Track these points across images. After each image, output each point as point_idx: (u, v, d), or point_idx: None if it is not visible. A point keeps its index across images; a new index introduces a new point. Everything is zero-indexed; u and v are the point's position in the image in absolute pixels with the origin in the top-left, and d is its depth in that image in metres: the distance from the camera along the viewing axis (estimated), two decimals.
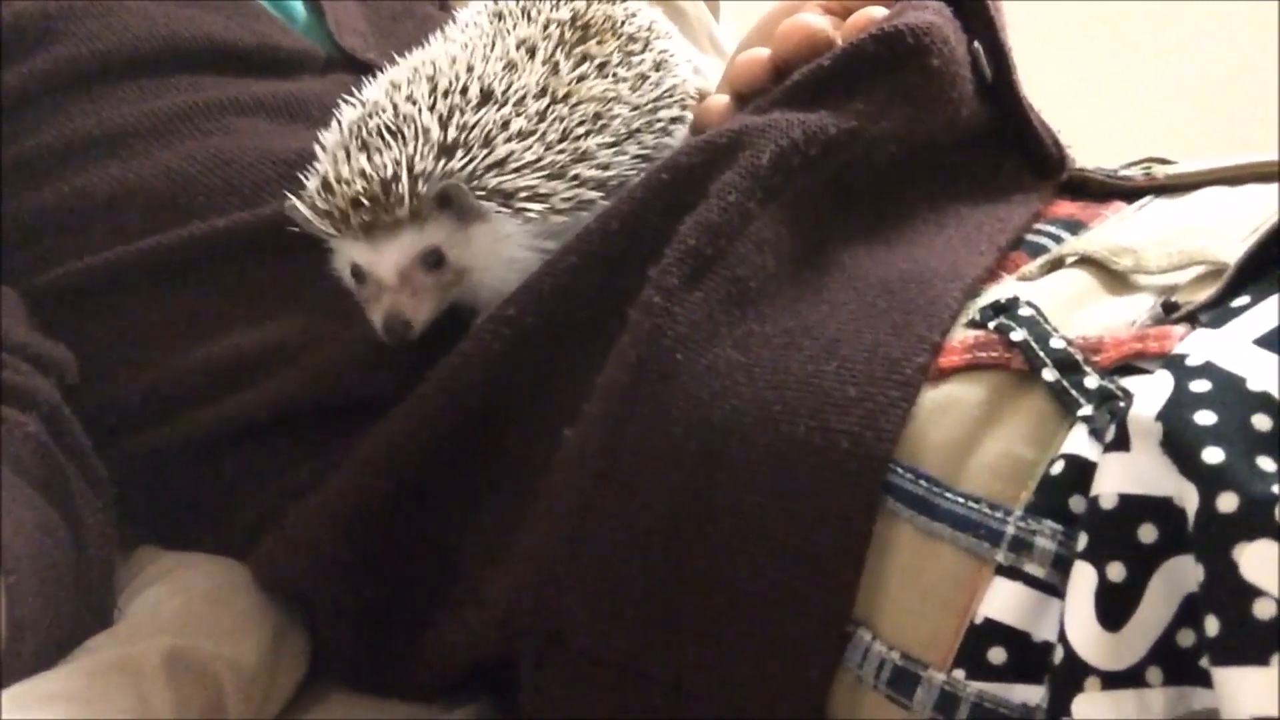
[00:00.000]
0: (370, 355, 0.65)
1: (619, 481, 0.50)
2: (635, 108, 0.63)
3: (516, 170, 0.59)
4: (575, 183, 0.60)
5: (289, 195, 0.61)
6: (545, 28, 0.64)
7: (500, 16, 0.65)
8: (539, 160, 0.59)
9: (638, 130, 0.63)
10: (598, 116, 0.62)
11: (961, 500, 0.45)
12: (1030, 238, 0.58)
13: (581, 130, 0.61)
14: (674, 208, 0.55)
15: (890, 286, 0.52)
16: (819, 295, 0.53)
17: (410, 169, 0.58)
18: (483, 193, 0.59)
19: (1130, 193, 0.61)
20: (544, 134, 0.60)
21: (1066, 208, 0.61)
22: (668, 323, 0.51)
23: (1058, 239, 0.57)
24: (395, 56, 0.68)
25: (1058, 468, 0.44)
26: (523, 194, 0.59)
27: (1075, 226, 0.58)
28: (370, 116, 0.60)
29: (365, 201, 0.58)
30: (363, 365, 0.65)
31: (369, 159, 0.58)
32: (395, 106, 0.60)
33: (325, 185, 0.59)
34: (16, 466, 0.57)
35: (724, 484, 0.49)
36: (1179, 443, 0.40)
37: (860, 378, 0.48)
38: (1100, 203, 0.61)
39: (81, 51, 0.72)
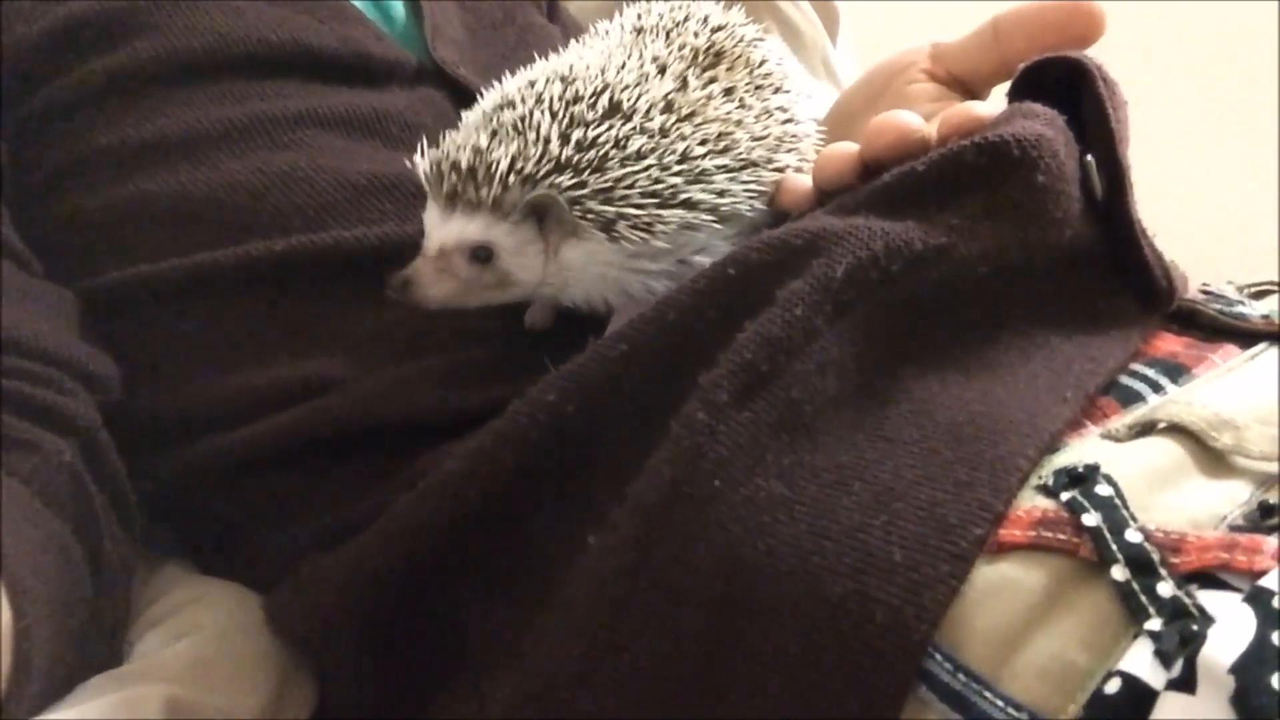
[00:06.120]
0: (409, 386, 0.62)
1: (636, 611, 0.47)
2: (757, 139, 0.61)
3: (623, 197, 0.58)
4: (685, 208, 0.58)
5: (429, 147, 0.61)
6: (680, 49, 0.63)
7: (640, 32, 0.64)
8: (651, 185, 0.58)
9: (755, 163, 0.61)
10: (720, 137, 0.60)
11: (1001, 704, 0.41)
12: (1124, 380, 0.52)
13: (702, 150, 0.59)
14: (735, 307, 0.51)
15: (959, 432, 0.48)
16: (879, 429, 0.49)
17: (515, 165, 0.57)
18: (582, 214, 0.57)
19: (1244, 334, 0.56)
20: (662, 154, 0.58)
21: (1169, 344, 0.55)
22: (709, 443, 0.47)
23: (1155, 385, 0.52)
24: (489, 68, 0.66)
25: (1113, 685, 0.39)
26: (623, 223, 0.58)
27: (1176, 371, 0.53)
28: (504, 108, 0.59)
29: (459, 173, 0.57)
30: (399, 394, 0.62)
31: (489, 141, 0.58)
32: (526, 105, 0.59)
33: (446, 150, 0.59)
34: (47, 497, 0.56)
35: (746, 633, 0.45)
36: (1251, 705, 0.35)
37: (909, 540, 0.44)
38: (1209, 342, 0.55)
39: (166, 47, 0.71)
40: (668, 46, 0.63)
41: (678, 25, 0.64)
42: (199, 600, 0.63)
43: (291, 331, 0.65)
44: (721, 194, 0.59)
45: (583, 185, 0.57)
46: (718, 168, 0.59)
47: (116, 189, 0.69)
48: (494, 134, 0.58)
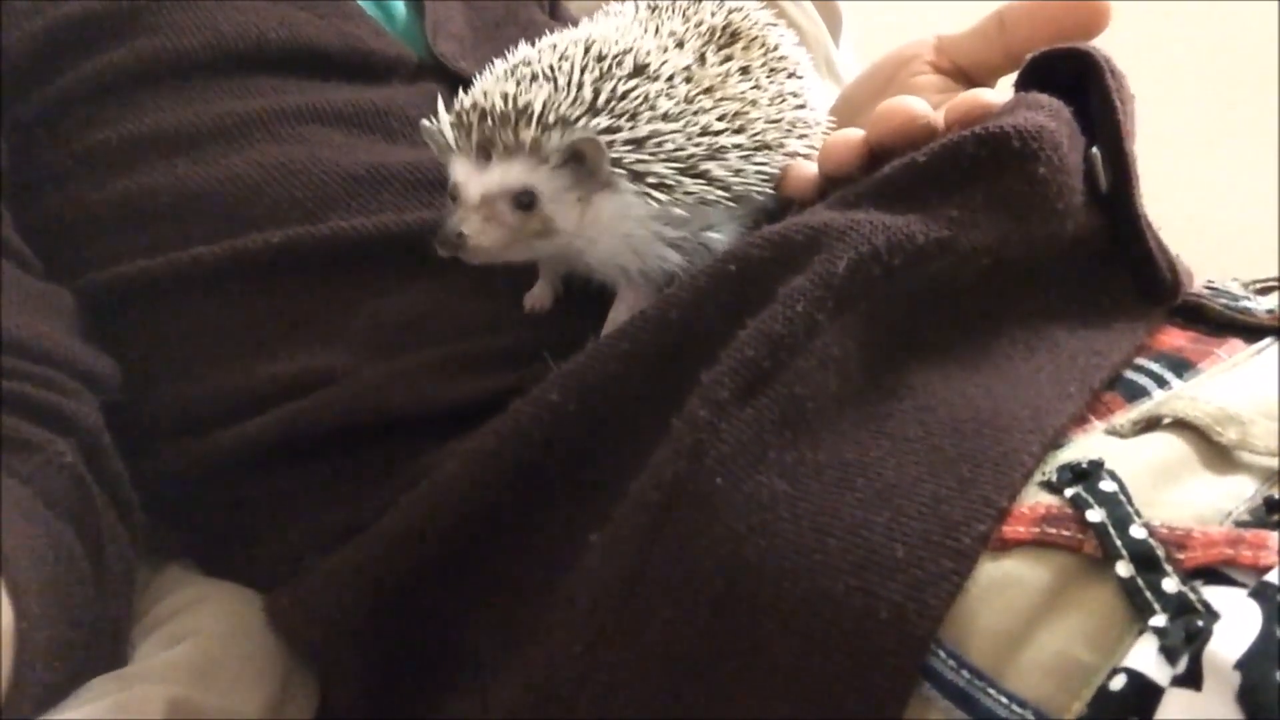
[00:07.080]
0: (409, 377, 0.62)
1: (638, 609, 0.47)
2: (771, 121, 0.61)
3: (652, 154, 0.57)
4: (704, 181, 0.58)
5: (434, 116, 0.60)
6: (697, 26, 0.63)
7: (655, 9, 0.64)
8: (676, 150, 0.57)
9: (769, 146, 0.61)
10: (736, 116, 0.60)
11: (1005, 701, 0.41)
12: (1129, 375, 0.52)
13: (720, 126, 0.59)
14: (737, 304, 0.51)
15: (961, 428, 0.47)
16: (882, 425, 0.48)
17: (551, 107, 0.56)
18: (615, 162, 0.57)
19: (1250, 328, 0.55)
20: (686, 123, 0.58)
21: (1174, 338, 0.55)
22: (711, 440, 0.47)
23: (1160, 380, 0.52)
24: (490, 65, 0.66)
25: (1118, 682, 0.39)
26: (650, 179, 0.57)
27: (1181, 366, 0.53)
28: (525, 64, 0.59)
29: (492, 120, 0.56)
30: (399, 385, 0.62)
31: (517, 89, 0.57)
32: (552, 58, 0.59)
33: (471, 102, 0.58)
34: (49, 499, 0.56)
35: (747, 632, 0.44)
36: (1257, 702, 0.34)
37: (912, 537, 0.44)
38: (1214, 337, 0.55)
39: (166, 45, 0.70)
40: (684, 23, 0.63)
41: (693, 3, 0.64)
42: (201, 602, 0.63)
43: (290, 324, 0.65)
44: (737, 173, 0.59)
45: (616, 130, 0.57)
46: (734, 146, 0.59)
47: (114, 184, 0.68)
48: (519, 83, 0.57)
